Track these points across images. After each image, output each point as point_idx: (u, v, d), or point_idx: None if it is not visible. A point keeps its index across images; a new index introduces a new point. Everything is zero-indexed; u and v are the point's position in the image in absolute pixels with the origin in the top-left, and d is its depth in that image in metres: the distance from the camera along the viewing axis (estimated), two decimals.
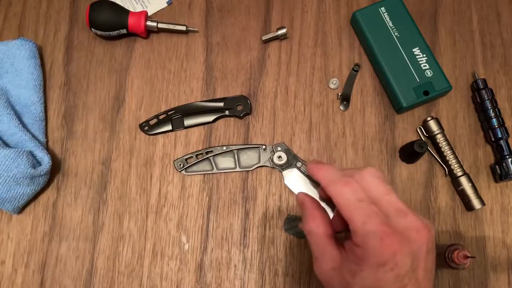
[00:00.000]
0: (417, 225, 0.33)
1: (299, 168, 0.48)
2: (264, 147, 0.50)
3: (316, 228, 0.36)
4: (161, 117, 0.51)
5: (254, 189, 0.49)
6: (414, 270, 0.33)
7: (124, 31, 0.52)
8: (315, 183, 0.48)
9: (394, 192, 0.35)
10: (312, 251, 0.36)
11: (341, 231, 0.37)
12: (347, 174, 0.36)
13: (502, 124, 0.50)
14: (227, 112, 0.51)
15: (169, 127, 0.51)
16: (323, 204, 0.38)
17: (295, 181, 0.49)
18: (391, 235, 0.32)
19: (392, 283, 0.32)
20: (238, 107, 0.51)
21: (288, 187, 0.49)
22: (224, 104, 0.51)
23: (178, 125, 0.51)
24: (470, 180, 0.49)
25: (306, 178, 0.49)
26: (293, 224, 0.48)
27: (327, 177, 0.36)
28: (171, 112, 0.51)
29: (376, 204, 0.34)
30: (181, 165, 0.50)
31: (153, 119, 0.51)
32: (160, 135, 0.51)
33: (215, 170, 0.50)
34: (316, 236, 0.36)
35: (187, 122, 0.51)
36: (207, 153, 0.50)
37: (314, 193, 0.48)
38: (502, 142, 0.49)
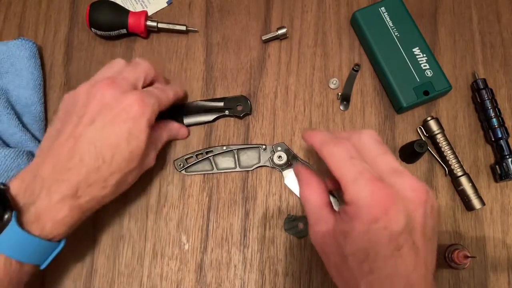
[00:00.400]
0: (413, 185, 0.32)
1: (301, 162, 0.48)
2: (264, 147, 0.50)
3: (312, 194, 0.36)
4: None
5: (254, 189, 0.50)
6: (410, 232, 0.31)
7: (124, 31, 0.52)
8: None
9: (391, 153, 0.34)
10: (308, 218, 0.36)
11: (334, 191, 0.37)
12: (343, 136, 0.36)
13: (502, 124, 0.50)
14: (227, 112, 0.51)
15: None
16: (331, 199, 0.38)
17: (295, 181, 0.49)
18: (383, 190, 0.31)
19: (385, 243, 0.31)
20: (238, 107, 0.51)
21: (288, 187, 0.49)
22: (224, 104, 0.51)
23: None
24: (470, 180, 0.49)
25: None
26: (293, 224, 0.48)
27: (319, 140, 0.36)
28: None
29: (371, 164, 0.33)
30: (181, 165, 0.50)
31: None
32: None
33: (215, 170, 0.50)
34: (312, 202, 0.36)
35: (187, 121, 0.51)
36: (207, 153, 0.50)
37: None
38: (502, 142, 0.49)
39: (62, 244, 0.39)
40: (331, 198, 0.39)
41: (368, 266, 0.31)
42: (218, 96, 0.52)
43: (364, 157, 0.34)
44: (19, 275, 0.36)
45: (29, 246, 0.35)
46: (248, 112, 0.51)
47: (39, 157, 0.39)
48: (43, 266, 0.38)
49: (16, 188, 0.37)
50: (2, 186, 0.36)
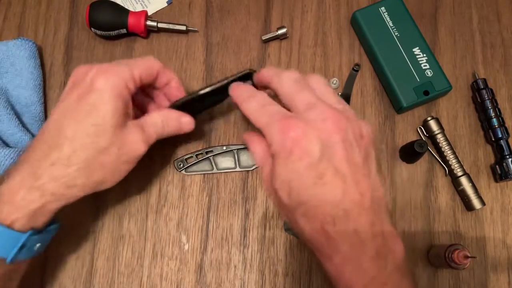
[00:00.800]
0: (324, 114, 0.33)
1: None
2: None
3: (255, 147, 0.38)
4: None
5: (254, 189, 0.49)
6: (329, 160, 0.32)
7: (124, 31, 0.52)
8: None
9: (307, 88, 0.35)
10: (260, 172, 0.39)
11: None
12: (268, 71, 0.39)
13: (502, 124, 0.50)
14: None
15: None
16: None
17: None
18: (292, 125, 0.32)
19: (306, 172, 0.32)
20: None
21: None
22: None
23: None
24: (470, 180, 0.49)
25: None
26: None
27: (239, 95, 0.39)
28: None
29: (290, 103, 0.35)
30: (181, 165, 0.50)
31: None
32: None
33: (215, 170, 0.50)
34: (257, 154, 0.38)
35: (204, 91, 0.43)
36: (207, 153, 0.50)
37: None
38: (502, 142, 0.49)
39: (27, 235, 0.35)
40: None
41: (296, 198, 0.33)
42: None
43: (283, 98, 0.36)
44: None
45: None
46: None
47: None
48: (8, 260, 0.35)
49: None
50: None
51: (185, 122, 0.43)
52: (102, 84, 0.36)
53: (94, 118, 0.36)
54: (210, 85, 0.42)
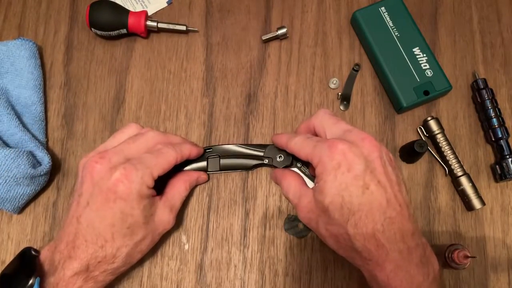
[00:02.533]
0: (362, 136, 0.38)
1: (299, 168, 0.48)
2: (266, 161, 0.49)
3: (290, 182, 0.43)
4: None
5: (254, 189, 0.49)
6: (372, 172, 0.36)
7: (124, 31, 0.52)
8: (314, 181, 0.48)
9: (343, 121, 0.41)
10: (292, 203, 0.42)
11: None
12: (304, 124, 0.45)
13: (502, 123, 0.50)
14: (266, 161, 0.48)
15: (203, 165, 0.48)
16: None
17: None
18: (338, 142, 0.37)
19: (355, 182, 0.36)
20: (279, 158, 0.48)
21: None
22: (264, 152, 0.48)
23: (213, 166, 0.48)
24: (470, 180, 0.49)
25: (305, 178, 0.48)
26: (293, 224, 0.48)
27: (284, 140, 0.44)
28: (209, 150, 0.49)
29: (328, 131, 0.41)
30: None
31: None
32: None
33: (215, 170, 0.49)
34: (292, 187, 0.42)
35: (224, 163, 0.49)
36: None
37: None
38: (502, 142, 0.49)
39: None
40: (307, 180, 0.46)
41: (347, 209, 0.36)
42: (218, 96, 0.52)
43: (321, 131, 0.41)
44: None
45: None
46: (288, 165, 0.48)
47: (60, 229, 0.41)
48: None
49: (44, 255, 0.40)
50: (34, 253, 0.39)
51: (201, 180, 0.49)
52: (126, 192, 0.38)
53: (127, 223, 0.39)
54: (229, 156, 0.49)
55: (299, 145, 0.41)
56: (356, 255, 0.37)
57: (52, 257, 0.39)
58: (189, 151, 0.45)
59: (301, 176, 0.45)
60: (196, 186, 0.49)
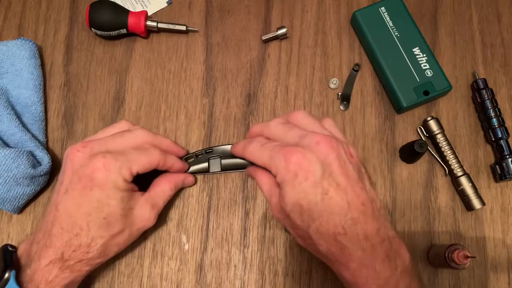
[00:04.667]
0: (316, 139, 0.37)
1: None
2: None
3: (263, 179, 0.42)
4: (199, 155, 0.49)
5: (254, 189, 0.49)
6: (330, 176, 0.36)
7: (124, 31, 0.52)
8: None
9: (295, 127, 0.40)
10: (267, 199, 0.42)
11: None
12: (256, 130, 0.44)
13: (502, 124, 0.50)
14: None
15: (205, 166, 0.49)
16: None
17: None
18: (292, 151, 0.36)
19: (313, 190, 0.35)
20: None
21: None
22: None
23: (215, 167, 0.49)
24: (470, 180, 0.49)
25: None
26: None
27: (239, 149, 0.44)
28: (209, 151, 0.49)
29: (283, 142, 0.39)
30: None
31: (191, 157, 0.49)
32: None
33: (215, 170, 0.49)
34: (264, 185, 0.42)
35: (225, 163, 0.49)
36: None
37: None
38: (502, 142, 0.49)
39: None
40: None
41: (307, 216, 0.36)
42: (218, 97, 0.52)
43: (276, 140, 0.40)
44: None
45: None
46: None
47: (41, 219, 0.42)
48: None
49: (21, 250, 0.40)
50: (10, 248, 0.40)
51: (188, 182, 0.48)
52: (103, 180, 0.38)
53: (103, 213, 0.39)
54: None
55: (255, 155, 0.40)
56: (322, 256, 0.37)
57: (29, 250, 0.40)
58: (172, 163, 0.45)
59: (273, 175, 0.42)
60: (182, 188, 0.49)
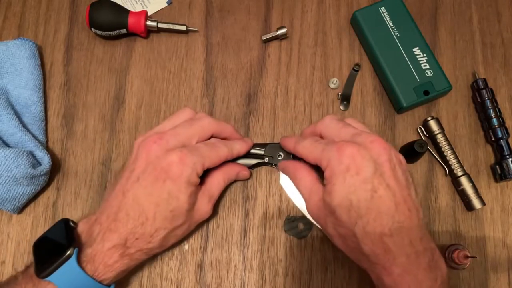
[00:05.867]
0: (371, 138, 0.38)
1: None
2: (266, 159, 0.49)
3: (303, 175, 0.42)
4: None
5: (254, 189, 0.49)
6: (381, 175, 0.36)
7: (124, 31, 0.52)
8: None
9: (350, 125, 0.41)
10: (303, 196, 0.42)
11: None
12: (309, 129, 0.44)
13: (502, 124, 0.50)
14: (266, 160, 0.48)
15: None
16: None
17: (290, 181, 0.48)
18: (346, 145, 0.37)
19: (363, 186, 0.36)
20: (279, 157, 0.48)
21: (282, 187, 0.49)
22: (264, 151, 0.48)
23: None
24: (470, 180, 0.49)
25: None
26: (293, 224, 0.48)
27: (292, 143, 0.44)
28: None
29: (336, 138, 0.40)
30: None
31: None
32: None
33: None
34: (304, 181, 0.42)
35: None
36: None
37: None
38: (502, 142, 0.49)
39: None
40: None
41: (355, 212, 0.36)
42: (218, 96, 0.52)
43: (329, 137, 0.41)
44: None
45: (82, 285, 0.37)
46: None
47: (103, 202, 0.42)
48: None
49: (81, 228, 0.41)
50: (72, 224, 0.40)
51: (242, 175, 0.48)
52: (177, 174, 0.39)
53: (171, 205, 0.39)
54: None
55: (308, 149, 0.41)
56: (363, 257, 0.37)
57: (90, 229, 0.40)
58: (239, 150, 0.46)
59: (314, 171, 0.43)
60: (236, 181, 0.49)
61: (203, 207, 0.43)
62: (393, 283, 0.35)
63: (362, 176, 0.36)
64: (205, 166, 0.41)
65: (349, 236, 0.37)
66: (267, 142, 0.50)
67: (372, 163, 0.36)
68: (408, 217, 0.36)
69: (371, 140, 0.37)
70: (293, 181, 0.45)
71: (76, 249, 0.37)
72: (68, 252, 0.36)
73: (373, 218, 0.35)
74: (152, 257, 0.47)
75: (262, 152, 0.48)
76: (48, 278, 0.36)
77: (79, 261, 0.37)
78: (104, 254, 0.38)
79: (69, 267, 0.36)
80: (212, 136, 0.45)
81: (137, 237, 0.39)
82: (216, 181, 0.45)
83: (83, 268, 0.37)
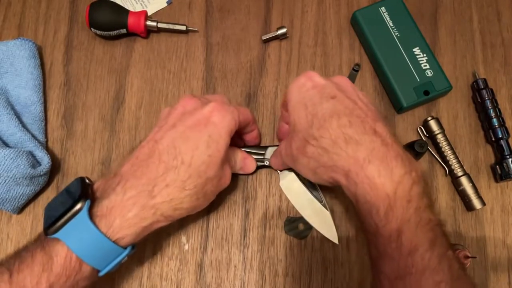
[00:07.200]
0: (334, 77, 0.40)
1: (296, 172, 0.48)
2: (266, 162, 0.49)
3: (283, 129, 0.46)
4: None
5: (254, 189, 0.49)
6: (341, 91, 0.38)
7: (124, 30, 0.52)
8: (310, 187, 0.48)
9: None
10: (283, 157, 0.42)
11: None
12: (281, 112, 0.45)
13: (502, 124, 0.50)
14: (266, 163, 0.48)
15: None
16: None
17: (290, 184, 0.48)
18: (307, 73, 0.39)
19: (318, 94, 0.37)
20: None
21: (282, 189, 0.49)
22: (264, 154, 0.48)
23: None
24: (470, 180, 0.49)
25: (301, 182, 0.48)
26: (293, 225, 0.48)
27: (278, 160, 0.45)
28: None
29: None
30: None
31: None
32: None
33: None
34: (282, 134, 0.46)
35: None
36: None
37: (306, 196, 0.48)
38: (502, 142, 0.49)
39: (127, 251, 0.35)
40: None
41: (310, 114, 0.36)
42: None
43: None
44: (76, 277, 0.33)
45: (93, 242, 0.33)
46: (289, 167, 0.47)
47: (129, 154, 0.39)
48: (102, 272, 0.35)
49: (97, 185, 0.38)
50: (87, 181, 0.37)
51: (248, 164, 0.47)
52: (219, 119, 0.38)
53: (211, 149, 0.37)
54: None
55: (277, 130, 0.44)
56: (329, 160, 0.35)
57: (107, 183, 0.37)
58: (255, 127, 0.47)
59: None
60: (235, 181, 0.49)
61: (227, 172, 0.42)
62: (360, 169, 0.33)
63: (318, 89, 0.37)
64: (238, 120, 0.40)
65: (310, 144, 0.36)
66: (267, 143, 0.50)
67: (333, 84, 0.38)
68: (367, 115, 0.36)
69: (335, 77, 0.40)
70: (278, 159, 0.45)
71: (88, 201, 0.33)
72: (79, 206, 0.32)
73: (329, 114, 0.35)
74: (152, 257, 0.47)
75: (262, 156, 0.48)
76: (55, 235, 0.32)
77: (92, 216, 0.33)
78: (124, 204, 0.34)
79: (79, 222, 0.32)
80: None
81: (167, 183, 0.35)
82: (234, 154, 0.45)
83: (96, 224, 0.33)
